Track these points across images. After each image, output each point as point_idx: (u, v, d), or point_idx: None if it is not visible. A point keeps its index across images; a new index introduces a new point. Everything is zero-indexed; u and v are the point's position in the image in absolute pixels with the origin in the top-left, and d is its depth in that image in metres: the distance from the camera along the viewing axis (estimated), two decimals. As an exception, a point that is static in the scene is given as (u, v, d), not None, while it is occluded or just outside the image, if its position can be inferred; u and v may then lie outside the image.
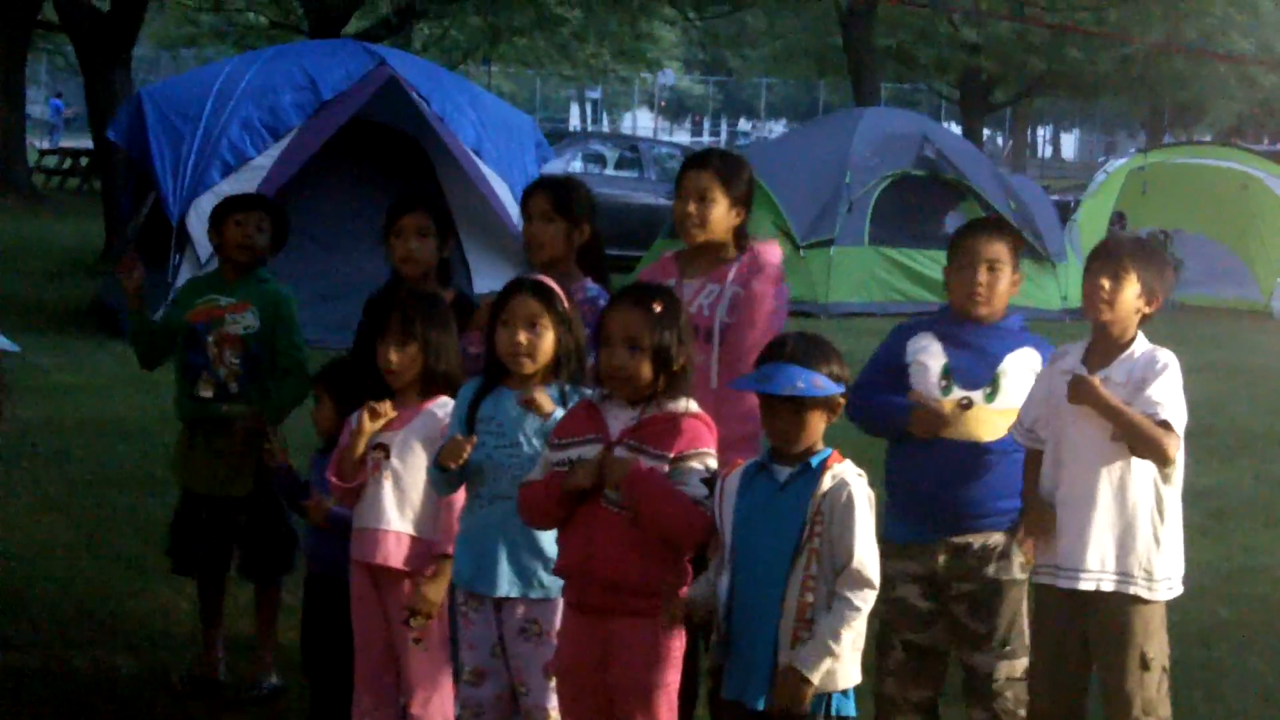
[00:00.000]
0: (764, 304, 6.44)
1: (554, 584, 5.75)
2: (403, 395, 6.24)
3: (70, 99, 63.43)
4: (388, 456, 6.19)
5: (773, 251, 6.61)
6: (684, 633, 5.53)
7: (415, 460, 6.18)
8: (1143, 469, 5.96)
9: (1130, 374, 5.95)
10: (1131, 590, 5.98)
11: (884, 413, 6.29)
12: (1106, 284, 5.98)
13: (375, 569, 6.24)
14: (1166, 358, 5.99)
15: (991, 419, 6.19)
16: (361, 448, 6.20)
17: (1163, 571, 6.02)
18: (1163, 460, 5.89)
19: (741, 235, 6.57)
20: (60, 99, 64.80)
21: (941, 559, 6.24)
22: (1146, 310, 6.05)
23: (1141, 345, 6.04)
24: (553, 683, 5.75)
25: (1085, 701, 6.22)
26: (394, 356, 6.17)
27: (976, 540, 6.22)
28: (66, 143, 51.11)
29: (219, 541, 7.56)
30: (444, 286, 6.98)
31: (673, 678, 5.50)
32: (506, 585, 5.80)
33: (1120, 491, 5.97)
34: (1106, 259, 6.04)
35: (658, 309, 5.39)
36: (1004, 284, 6.24)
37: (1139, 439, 5.86)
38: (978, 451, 6.19)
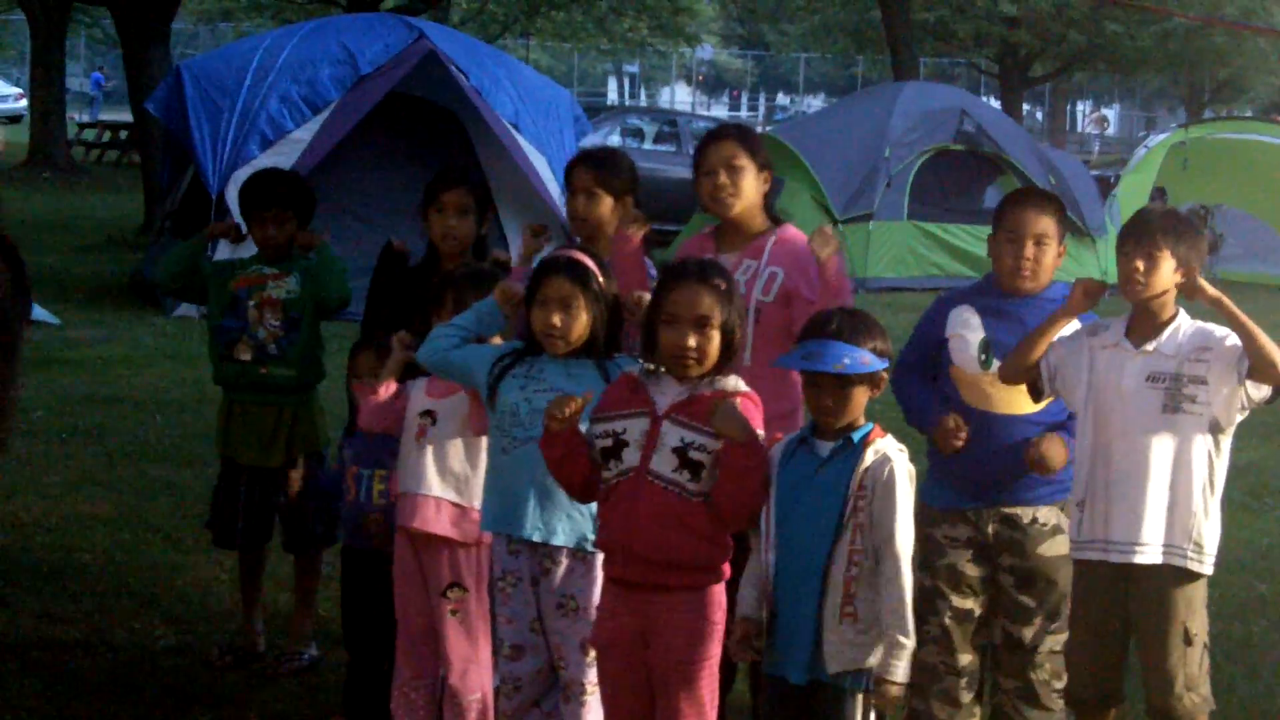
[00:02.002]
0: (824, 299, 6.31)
1: (577, 534, 5.79)
2: None
3: (111, 72, 63.54)
4: (434, 422, 6.24)
5: (802, 236, 6.58)
6: (725, 605, 5.52)
7: (460, 427, 6.23)
8: (1199, 441, 5.94)
9: (1180, 349, 5.92)
10: (1184, 564, 5.97)
11: (915, 410, 6.35)
12: (1141, 266, 5.94)
13: (416, 536, 6.28)
14: (1211, 325, 5.97)
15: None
16: (396, 369, 6.40)
17: (1210, 545, 6.01)
18: (1276, 381, 5.83)
19: (769, 204, 6.59)
20: (101, 73, 64.91)
21: (991, 528, 6.25)
22: (1182, 281, 6.02)
23: (1185, 320, 6.01)
24: (590, 656, 5.75)
25: (1124, 678, 6.21)
26: None
27: (1025, 513, 6.22)
28: (105, 116, 51.23)
29: (260, 514, 7.59)
30: (479, 261, 7.00)
31: (715, 650, 5.47)
32: (530, 528, 5.80)
33: (1175, 464, 5.94)
34: (1139, 240, 5.99)
35: (723, 286, 5.38)
36: (1050, 258, 6.23)
37: (1260, 350, 5.76)
38: (1014, 423, 6.19)
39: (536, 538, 5.80)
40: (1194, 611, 6.03)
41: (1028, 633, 6.26)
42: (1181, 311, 6.03)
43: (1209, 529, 5.98)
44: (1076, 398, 6.08)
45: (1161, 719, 6.12)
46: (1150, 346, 5.94)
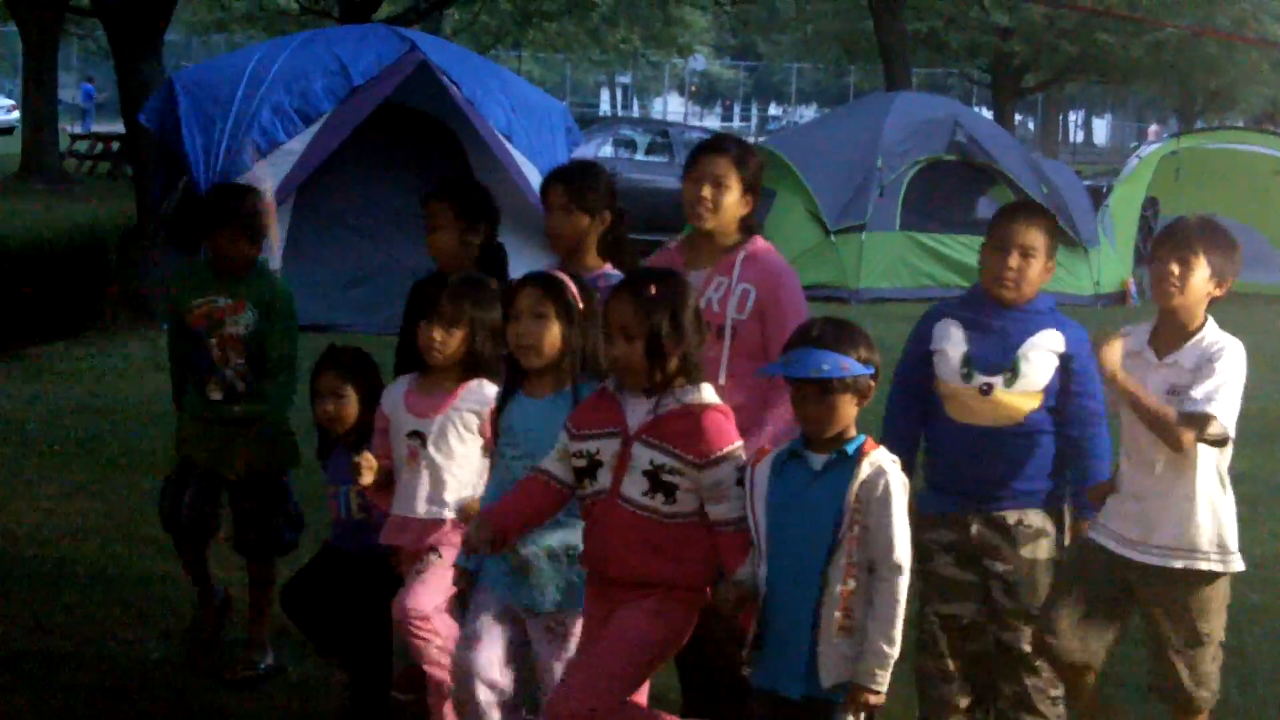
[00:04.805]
0: (796, 314, 6.29)
1: (573, 592, 5.75)
2: (441, 376, 6.27)
3: (102, 84, 63.52)
4: (425, 444, 6.21)
5: (770, 249, 6.55)
6: (693, 623, 5.53)
7: (452, 444, 6.23)
8: (1210, 449, 5.98)
9: (1195, 361, 5.96)
10: (1207, 566, 6.07)
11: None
12: (1176, 269, 5.99)
13: (411, 555, 6.27)
14: (1228, 344, 5.99)
15: (1011, 403, 6.19)
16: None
17: (1234, 542, 6.13)
18: (1174, 446, 5.89)
19: (745, 223, 6.51)
20: (92, 84, 64.88)
21: (974, 529, 6.27)
22: (1216, 293, 6.07)
23: (1212, 332, 6.04)
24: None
25: (1102, 652, 6.26)
26: (438, 336, 6.20)
27: (1011, 515, 6.24)
28: (98, 128, 51.20)
29: (205, 504, 7.62)
30: (489, 274, 6.95)
31: (662, 652, 5.52)
32: (524, 597, 5.79)
33: (1193, 473, 5.99)
34: (1175, 244, 6.04)
35: (650, 292, 5.31)
36: (1035, 271, 6.21)
37: (1147, 423, 5.90)
38: (998, 435, 6.21)
39: (532, 605, 5.80)
40: (1207, 614, 6.11)
41: (1015, 640, 6.27)
42: (1210, 322, 6.05)
43: (1230, 530, 6.11)
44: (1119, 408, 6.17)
45: (1164, 700, 6.28)
46: (1171, 359, 5.97)
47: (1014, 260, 6.18)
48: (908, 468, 6.22)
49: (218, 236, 7.44)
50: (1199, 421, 5.85)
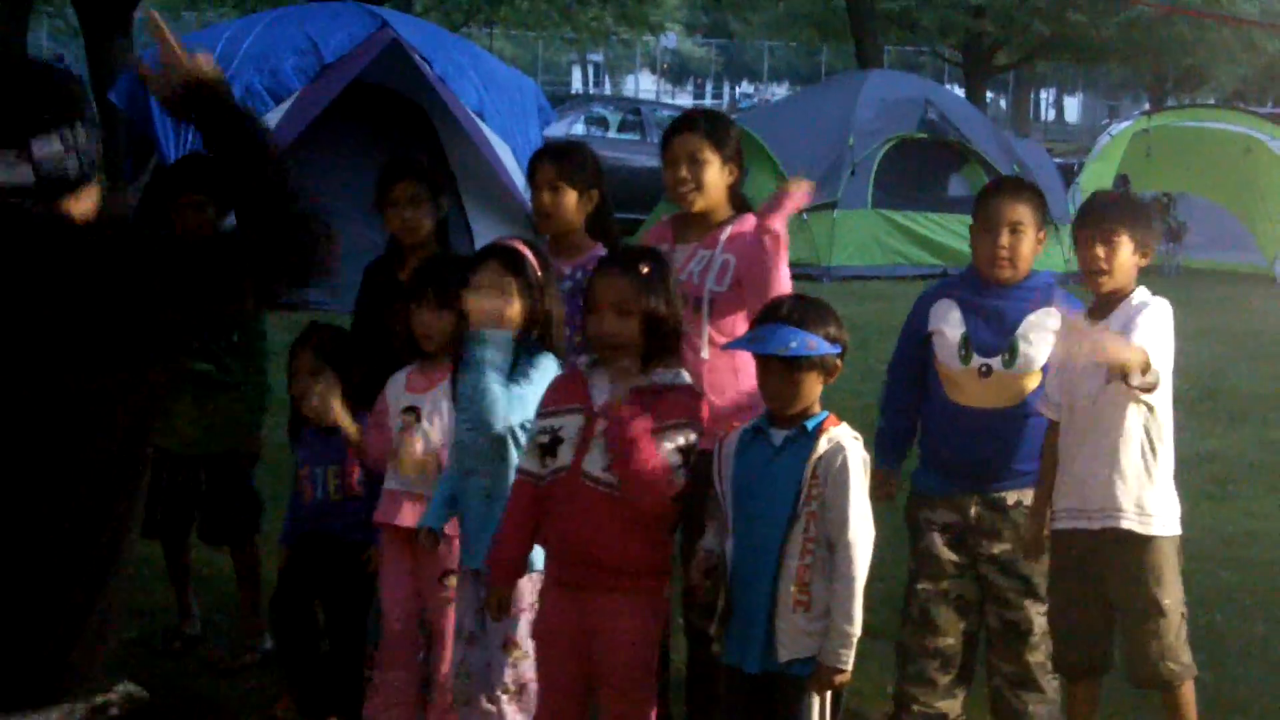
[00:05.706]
0: (779, 282, 6.15)
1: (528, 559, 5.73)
2: (434, 358, 6.26)
3: (71, 62, 63.27)
4: (419, 419, 6.22)
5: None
6: (666, 603, 5.52)
7: (446, 419, 6.22)
8: (1135, 408, 5.98)
9: (1125, 322, 5.97)
10: (1129, 526, 6.04)
11: (881, 434, 6.57)
12: (1102, 252, 6.01)
13: (406, 531, 6.25)
14: (1153, 301, 6.03)
15: (1011, 384, 6.23)
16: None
17: (1156, 507, 6.07)
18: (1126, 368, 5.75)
19: (737, 195, 6.47)
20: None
21: (974, 510, 6.29)
22: (1142, 263, 6.11)
23: (1140, 294, 6.09)
24: (512, 656, 5.73)
25: (1109, 646, 6.31)
26: (430, 320, 6.19)
27: (1010, 496, 6.27)
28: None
29: (180, 503, 7.57)
30: (441, 249, 6.96)
31: (656, 651, 5.51)
32: (480, 559, 5.77)
33: (1119, 432, 5.99)
34: (1097, 225, 6.06)
35: (644, 271, 5.31)
36: (1027, 246, 6.23)
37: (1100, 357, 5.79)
38: (999, 416, 6.25)
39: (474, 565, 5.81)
40: (1163, 584, 6.09)
41: (1021, 618, 6.30)
42: (1141, 289, 6.08)
43: (1153, 494, 6.06)
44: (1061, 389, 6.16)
45: (1140, 685, 6.27)
46: (1102, 324, 6.00)
47: (1004, 238, 6.20)
48: (905, 445, 6.29)
49: (183, 204, 7.40)
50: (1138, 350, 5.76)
